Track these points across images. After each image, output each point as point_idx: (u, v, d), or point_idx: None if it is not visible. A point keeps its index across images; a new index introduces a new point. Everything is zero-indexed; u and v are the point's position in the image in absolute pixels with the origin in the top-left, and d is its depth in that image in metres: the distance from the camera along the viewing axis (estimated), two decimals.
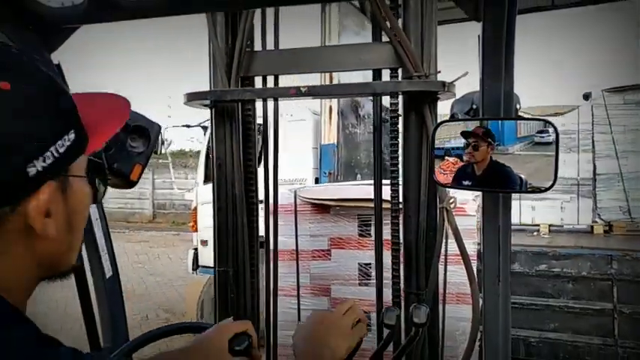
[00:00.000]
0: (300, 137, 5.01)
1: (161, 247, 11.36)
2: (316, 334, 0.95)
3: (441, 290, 1.90)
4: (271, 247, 2.10)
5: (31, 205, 0.53)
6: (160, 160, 17.65)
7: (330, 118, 5.02)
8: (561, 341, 4.25)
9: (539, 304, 4.30)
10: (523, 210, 5.37)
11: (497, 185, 1.09)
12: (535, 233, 5.26)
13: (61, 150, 0.54)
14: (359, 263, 2.76)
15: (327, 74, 4.29)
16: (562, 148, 3.70)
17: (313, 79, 1.89)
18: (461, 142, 1.11)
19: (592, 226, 5.28)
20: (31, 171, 0.51)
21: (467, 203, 2.58)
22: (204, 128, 5.86)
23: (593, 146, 5.37)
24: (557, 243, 4.66)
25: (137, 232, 14.03)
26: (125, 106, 0.68)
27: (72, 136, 0.55)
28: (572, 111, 5.49)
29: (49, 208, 0.55)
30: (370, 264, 2.66)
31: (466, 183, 1.12)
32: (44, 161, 0.52)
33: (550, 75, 14.07)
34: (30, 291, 0.60)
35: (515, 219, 4.85)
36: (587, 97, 5.43)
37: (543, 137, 1.14)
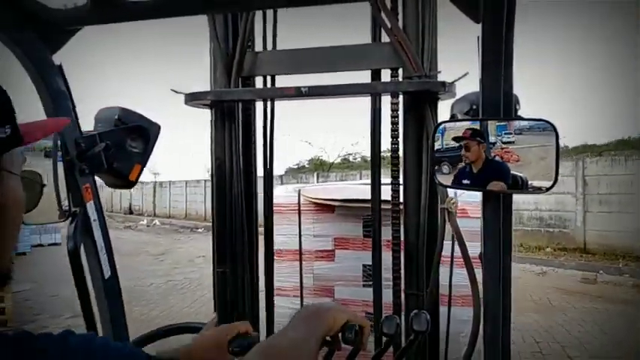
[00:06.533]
0: None
1: None
2: (318, 305, 0.98)
3: (445, 292, 1.89)
4: (276, 247, 2.10)
5: None
6: None
7: None
8: None
9: None
10: None
11: (495, 181, 1.10)
12: None
13: (1, 136, 0.61)
14: (363, 264, 2.71)
15: None
16: None
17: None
18: None
19: None
20: None
21: (470, 205, 2.55)
22: None
23: None
24: None
25: None
26: (60, 124, 0.86)
27: (8, 130, 0.63)
28: None
29: None
30: None
31: (465, 182, 1.13)
32: None
33: None
34: None
35: None
36: None
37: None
